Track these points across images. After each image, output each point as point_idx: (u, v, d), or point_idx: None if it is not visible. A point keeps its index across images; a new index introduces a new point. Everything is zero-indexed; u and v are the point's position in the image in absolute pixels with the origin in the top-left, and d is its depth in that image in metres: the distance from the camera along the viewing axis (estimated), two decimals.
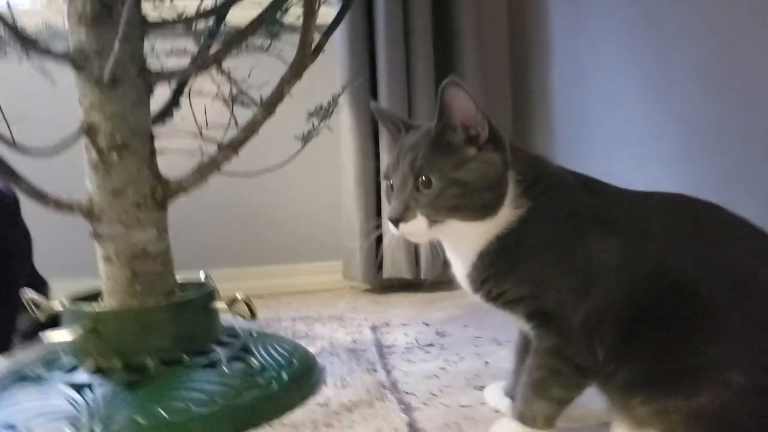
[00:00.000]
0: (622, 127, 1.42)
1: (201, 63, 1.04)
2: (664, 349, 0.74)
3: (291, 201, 2.07)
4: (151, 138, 1.07)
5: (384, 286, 2.01)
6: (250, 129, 1.08)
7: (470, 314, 1.59)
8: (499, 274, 0.82)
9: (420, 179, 0.79)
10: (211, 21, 1.19)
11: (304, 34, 1.01)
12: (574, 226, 0.80)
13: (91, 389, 0.90)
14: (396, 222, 0.80)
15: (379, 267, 1.98)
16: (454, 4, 1.88)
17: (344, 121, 1.91)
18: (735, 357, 0.69)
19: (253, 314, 1.04)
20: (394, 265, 1.93)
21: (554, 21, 1.76)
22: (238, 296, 1.03)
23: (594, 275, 0.78)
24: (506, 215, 0.81)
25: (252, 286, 1.99)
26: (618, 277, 0.77)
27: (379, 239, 1.97)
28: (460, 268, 0.86)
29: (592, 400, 0.93)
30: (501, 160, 0.80)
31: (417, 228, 0.80)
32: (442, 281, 1.92)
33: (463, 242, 0.84)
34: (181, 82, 1.22)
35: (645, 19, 1.32)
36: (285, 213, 2.07)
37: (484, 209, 0.80)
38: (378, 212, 1.97)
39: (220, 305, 1.04)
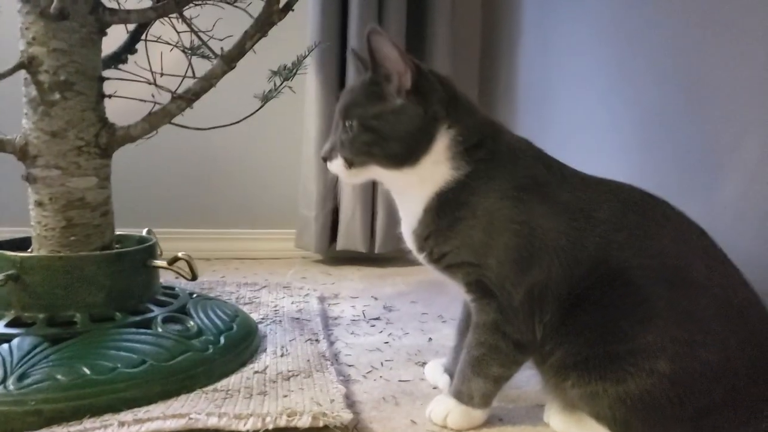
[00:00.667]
0: (583, 115, 1.42)
1: (161, 7, 0.98)
2: (597, 334, 0.74)
3: (249, 164, 2.01)
4: (101, 80, 1.00)
5: (337, 258, 1.98)
6: (208, 81, 1.02)
7: (419, 291, 1.58)
8: (440, 232, 0.82)
9: (345, 122, 0.83)
10: None
11: None
12: (522, 199, 0.79)
13: (8, 342, 0.83)
14: (324, 160, 0.87)
15: (333, 238, 1.95)
16: None
17: (309, 86, 1.86)
18: (663, 345, 0.70)
19: (193, 274, 1.00)
20: (349, 238, 1.90)
21: (525, 10, 1.74)
22: (179, 255, 0.99)
23: (537, 251, 0.78)
24: (443, 173, 0.82)
25: (200, 248, 1.95)
26: (561, 257, 0.78)
27: (335, 210, 1.94)
28: (407, 226, 0.87)
29: (529, 382, 0.93)
30: (423, 114, 0.81)
31: (336, 168, 0.86)
32: (396, 257, 1.91)
33: (407, 197, 0.86)
34: (140, 26, 1.15)
35: (608, 13, 1.31)
36: (241, 176, 2.01)
37: (396, 158, 0.82)
38: (336, 182, 1.93)
39: (159, 263, 1.00)
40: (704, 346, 0.70)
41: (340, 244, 1.91)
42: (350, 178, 0.86)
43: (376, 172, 0.84)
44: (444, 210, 0.82)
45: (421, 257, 0.87)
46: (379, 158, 0.82)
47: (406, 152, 0.81)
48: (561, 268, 0.77)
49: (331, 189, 1.91)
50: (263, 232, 2.05)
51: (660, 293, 0.72)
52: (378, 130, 0.81)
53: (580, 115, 1.42)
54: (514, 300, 0.79)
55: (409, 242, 0.88)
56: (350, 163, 0.83)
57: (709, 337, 0.70)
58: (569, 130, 1.47)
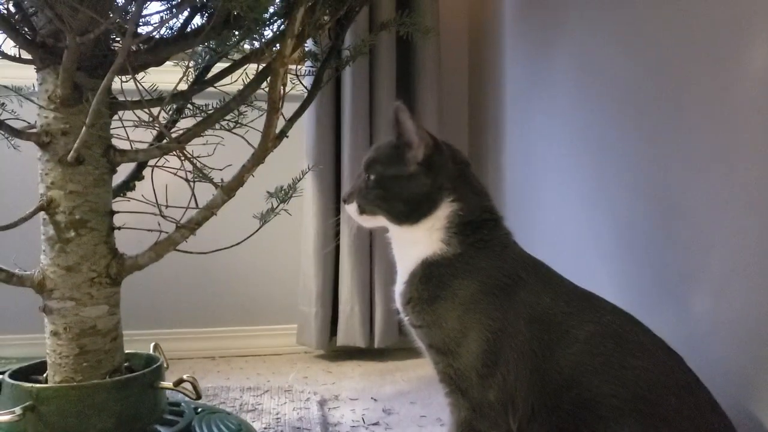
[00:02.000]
0: (566, 220, 1.49)
1: (165, 146, 1.08)
2: None
3: (249, 262, 2.08)
4: (111, 214, 1.09)
5: (337, 352, 2.02)
6: (209, 210, 1.11)
7: (419, 389, 1.62)
8: (421, 301, 0.89)
9: (367, 174, 0.96)
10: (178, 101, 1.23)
11: (267, 128, 1.05)
12: (500, 296, 0.85)
13: None
14: (343, 201, 1.01)
15: (334, 331, 2.00)
16: (417, 84, 1.97)
17: (307, 185, 1.95)
18: None
19: (198, 395, 1.05)
20: (348, 334, 1.95)
21: (509, 118, 1.85)
22: (185, 377, 1.05)
23: (505, 350, 0.83)
24: (435, 242, 0.90)
25: (206, 347, 2.01)
26: (528, 363, 0.82)
27: (335, 306, 2.00)
28: (398, 284, 0.96)
29: None
30: (430, 184, 0.91)
31: (351, 211, 0.99)
32: (396, 348, 1.95)
33: (403, 254, 0.96)
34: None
35: (587, 124, 1.41)
36: (242, 274, 2.08)
37: (399, 216, 0.93)
38: (336, 278, 2.00)
39: (166, 384, 1.05)
40: None
41: (340, 339, 1.96)
42: (362, 222, 0.99)
43: (383, 222, 0.96)
44: (428, 280, 0.89)
45: (404, 318, 0.94)
46: (386, 212, 0.94)
47: (408, 212, 0.92)
48: (529, 373, 0.81)
49: (330, 286, 1.97)
50: (265, 329, 2.10)
51: (629, 425, 0.75)
52: (389, 189, 0.93)
53: (563, 220, 1.50)
54: (486, 395, 0.83)
55: (397, 300, 0.96)
56: (362, 210, 0.97)
57: None
58: (554, 238, 1.54)
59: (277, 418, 1.34)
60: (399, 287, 0.95)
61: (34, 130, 1.02)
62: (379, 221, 0.97)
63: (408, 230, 0.93)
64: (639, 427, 0.75)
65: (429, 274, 0.89)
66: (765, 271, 0.90)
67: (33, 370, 1.06)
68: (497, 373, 0.83)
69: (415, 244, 0.93)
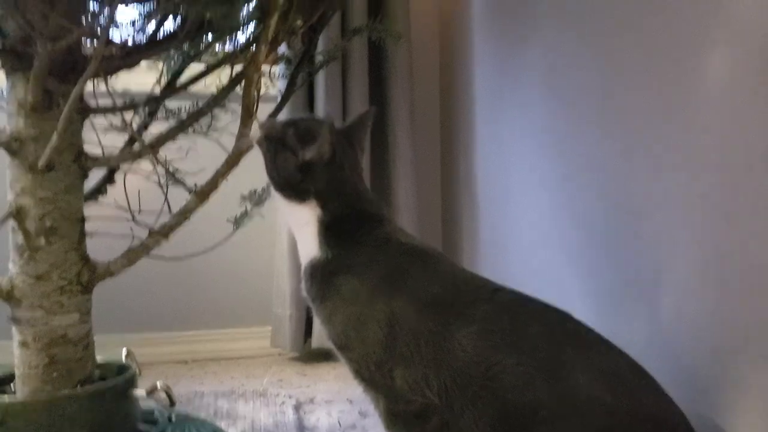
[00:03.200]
0: (533, 229, 1.52)
1: (137, 152, 1.07)
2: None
3: (221, 264, 2.07)
4: (82, 221, 1.07)
5: (312, 354, 2.02)
6: (183, 215, 1.10)
7: None
8: (316, 299, 0.94)
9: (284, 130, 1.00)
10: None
11: (241, 134, 1.05)
12: (382, 288, 0.88)
13: None
14: None
15: (309, 332, 2.00)
16: (390, 86, 1.98)
17: None
18: None
19: (172, 403, 1.05)
20: (323, 336, 1.94)
21: (480, 120, 1.87)
22: (158, 385, 1.04)
23: (398, 337, 0.86)
24: (313, 246, 0.95)
25: (178, 351, 1.99)
26: (430, 345, 0.84)
27: (309, 308, 2.00)
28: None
29: None
30: (299, 180, 0.96)
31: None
32: None
33: (299, 252, 1.00)
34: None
35: (554, 127, 1.43)
36: (215, 276, 2.06)
37: (271, 177, 1.00)
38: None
39: (139, 392, 1.04)
40: None
41: (315, 341, 1.96)
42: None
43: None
44: (313, 281, 0.94)
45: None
46: (266, 164, 1.01)
47: (281, 183, 0.99)
48: (433, 352, 0.84)
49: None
50: (239, 331, 2.09)
51: (539, 387, 0.79)
52: (281, 153, 0.98)
53: (532, 221, 1.52)
54: (392, 380, 0.86)
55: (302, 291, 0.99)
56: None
57: None
58: (522, 235, 1.57)
59: (252, 424, 1.34)
60: (302, 280, 0.99)
61: (2, 137, 1.00)
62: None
63: (287, 210, 0.99)
64: (547, 384, 0.79)
65: (313, 274, 0.94)
66: (725, 271, 0.93)
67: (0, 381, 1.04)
68: (396, 361, 0.86)
69: (302, 240, 0.98)
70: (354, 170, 1.00)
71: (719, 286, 0.95)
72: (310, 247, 0.96)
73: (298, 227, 0.99)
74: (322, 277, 0.92)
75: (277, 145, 0.98)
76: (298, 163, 0.95)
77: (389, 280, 0.89)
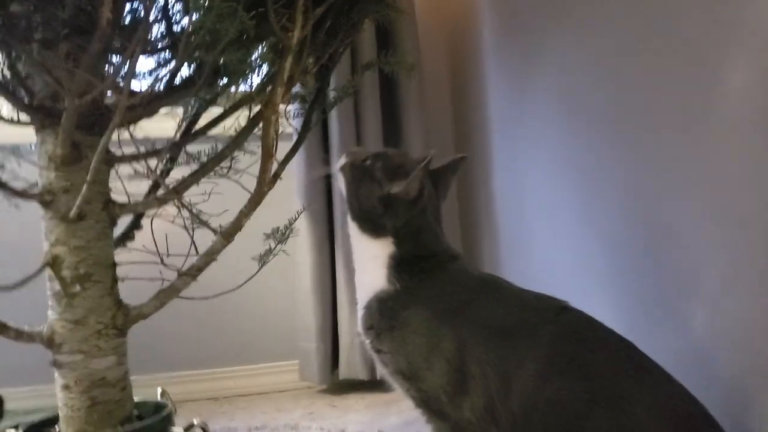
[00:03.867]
0: (557, 244, 1.53)
1: (163, 197, 1.11)
2: None
3: (246, 301, 2.10)
4: (114, 266, 1.11)
5: (341, 385, 2.03)
6: (209, 256, 1.14)
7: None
8: (380, 329, 0.94)
9: (371, 158, 1.03)
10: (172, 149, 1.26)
11: (262, 173, 1.09)
12: (451, 320, 0.89)
13: None
14: (347, 149, 1.12)
15: (336, 363, 2.01)
16: (402, 118, 2.02)
17: (301, 221, 1.98)
18: None
19: None
20: (350, 367, 1.96)
21: (495, 147, 1.89)
22: (195, 422, 1.06)
23: (467, 367, 0.86)
24: (381, 279, 0.96)
25: (208, 389, 2.01)
26: (492, 374, 0.85)
27: (335, 339, 2.02)
28: (359, 310, 1.00)
29: None
30: (380, 215, 0.98)
31: (341, 159, 1.09)
32: None
33: (359, 282, 1.01)
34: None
35: (572, 148, 1.45)
36: (240, 313, 2.09)
37: (352, 208, 1.02)
38: (334, 312, 2.02)
39: (176, 430, 1.07)
40: None
41: (342, 372, 1.97)
42: (337, 171, 1.08)
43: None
44: (382, 313, 0.94)
45: (366, 342, 0.98)
46: (347, 194, 1.04)
47: (360, 215, 1.01)
48: (500, 381, 0.84)
49: (329, 320, 1.99)
50: (267, 366, 2.11)
51: (600, 415, 0.80)
52: (365, 184, 1.00)
53: (554, 246, 1.53)
54: (461, 412, 0.86)
55: (359, 324, 0.99)
56: (342, 171, 1.06)
57: None
58: (547, 261, 1.57)
59: None
60: (359, 312, 1.00)
61: (36, 190, 1.05)
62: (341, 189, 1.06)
63: (358, 242, 1.01)
64: (609, 413, 0.80)
65: (381, 307, 0.95)
66: (754, 284, 0.93)
67: (45, 424, 1.08)
68: (466, 390, 0.86)
69: (368, 273, 0.99)
70: (434, 215, 1.02)
71: (749, 297, 0.94)
72: (375, 280, 0.97)
73: (365, 259, 1.00)
74: (391, 309, 0.93)
75: (363, 175, 1.00)
76: (382, 194, 0.97)
77: (457, 311, 0.90)
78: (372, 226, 0.99)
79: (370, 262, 0.99)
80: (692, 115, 1.04)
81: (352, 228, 1.03)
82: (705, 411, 0.83)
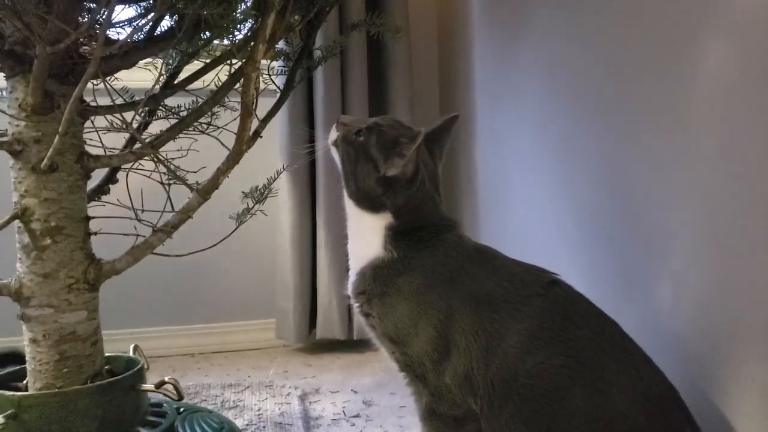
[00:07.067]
0: (533, 211, 1.53)
1: (139, 151, 1.08)
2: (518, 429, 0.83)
3: (225, 258, 2.09)
4: (87, 220, 1.09)
5: (317, 345, 2.05)
6: (185, 213, 1.12)
7: (397, 380, 1.64)
8: (372, 295, 0.95)
9: (364, 132, 1.02)
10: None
11: (241, 131, 1.06)
12: (442, 287, 0.91)
13: None
14: (336, 121, 1.10)
15: (313, 323, 2.02)
16: (389, 81, 1.99)
17: (282, 181, 1.96)
18: None
19: (180, 396, 1.07)
20: (327, 327, 1.97)
21: (480, 114, 1.88)
22: (166, 379, 1.06)
23: (453, 335, 0.88)
24: (377, 247, 0.97)
25: (185, 344, 2.01)
26: (478, 343, 0.86)
27: (313, 299, 2.02)
28: (351, 276, 1.01)
29: None
30: (380, 195, 0.97)
31: (331, 134, 1.09)
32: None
33: (353, 250, 1.03)
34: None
35: (552, 120, 1.44)
36: (219, 270, 2.08)
37: (348, 187, 1.01)
38: (313, 272, 2.02)
39: (147, 386, 1.07)
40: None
41: (319, 332, 1.99)
42: (330, 145, 1.08)
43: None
44: (376, 280, 0.95)
45: (355, 306, 0.99)
46: (344, 172, 1.02)
47: (356, 194, 1.00)
48: (484, 352, 0.86)
49: (308, 280, 1.99)
50: (243, 324, 2.12)
51: (578, 392, 0.81)
52: (360, 162, 0.99)
53: (532, 213, 1.54)
54: (442, 378, 0.88)
55: (349, 290, 1.01)
56: (336, 145, 1.06)
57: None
58: (523, 226, 1.58)
59: (259, 414, 1.36)
60: (352, 278, 1.01)
61: (5, 139, 1.02)
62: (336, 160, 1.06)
63: (355, 215, 1.01)
64: (586, 392, 0.81)
65: (375, 274, 0.96)
66: (719, 261, 0.95)
67: (12, 377, 1.07)
68: (450, 357, 0.88)
69: (363, 241, 0.99)
70: (432, 182, 1.01)
71: (714, 274, 0.96)
72: (371, 248, 0.97)
73: (362, 230, 1.00)
74: (386, 276, 0.94)
75: (358, 152, 0.99)
76: (380, 177, 0.96)
77: (449, 281, 0.91)
78: (371, 204, 0.98)
79: (367, 232, 0.99)
80: (670, 93, 1.04)
81: (349, 203, 1.02)
82: (677, 395, 0.85)
